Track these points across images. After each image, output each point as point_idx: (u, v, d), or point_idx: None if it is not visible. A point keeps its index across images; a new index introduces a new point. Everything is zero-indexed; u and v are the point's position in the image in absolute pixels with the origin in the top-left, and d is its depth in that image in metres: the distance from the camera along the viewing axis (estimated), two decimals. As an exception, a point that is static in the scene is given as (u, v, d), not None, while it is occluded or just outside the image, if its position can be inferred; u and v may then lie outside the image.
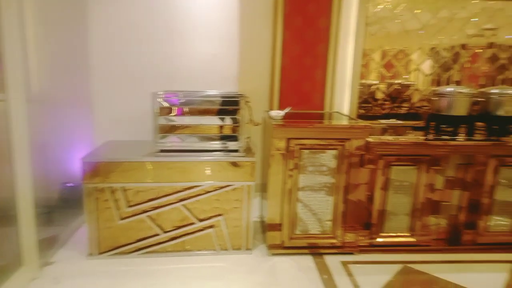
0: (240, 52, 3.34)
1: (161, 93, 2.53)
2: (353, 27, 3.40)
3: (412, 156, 2.65)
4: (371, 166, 2.63)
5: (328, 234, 2.69)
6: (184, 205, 2.57)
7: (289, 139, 2.53)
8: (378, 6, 3.41)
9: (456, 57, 3.57)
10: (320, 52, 3.54)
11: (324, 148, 2.56)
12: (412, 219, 2.74)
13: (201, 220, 2.61)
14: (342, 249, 2.69)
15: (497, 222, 2.78)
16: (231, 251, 2.66)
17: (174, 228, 2.60)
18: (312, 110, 3.61)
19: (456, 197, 2.79)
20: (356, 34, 3.37)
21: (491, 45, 3.55)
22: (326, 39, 3.51)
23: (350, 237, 2.68)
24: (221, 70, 3.31)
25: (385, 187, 2.69)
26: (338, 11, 3.41)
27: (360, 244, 2.72)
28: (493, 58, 3.56)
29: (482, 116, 2.95)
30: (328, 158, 2.57)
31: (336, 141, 2.54)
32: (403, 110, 3.69)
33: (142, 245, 2.59)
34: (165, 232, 2.60)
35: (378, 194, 2.69)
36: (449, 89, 2.88)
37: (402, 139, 2.73)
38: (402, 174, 2.67)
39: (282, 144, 2.53)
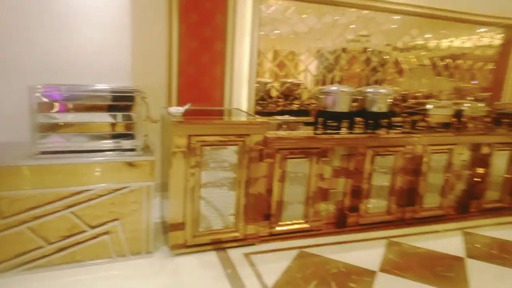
0: (133, 44, 3.15)
1: (40, 87, 2.23)
2: (248, 26, 3.51)
3: (304, 149, 2.86)
4: (269, 160, 2.76)
5: (231, 228, 2.73)
6: (72, 212, 2.31)
7: (190, 136, 2.48)
8: (270, 8, 3.58)
9: (337, 59, 3.98)
10: (218, 48, 3.55)
11: (225, 144, 2.58)
12: (306, 207, 2.97)
13: (93, 227, 2.38)
14: (244, 241, 2.76)
15: (374, 204, 3.19)
16: (129, 257, 2.49)
17: (62, 238, 2.32)
18: (212, 106, 3.61)
19: (341, 184, 3.12)
20: (251, 34, 3.48)
21: (365, 50, 4.06)
22: (224, 36, 3.54)
23: (251, 229, 2.77)
24: (111, 63, 3.07)
25: (282, 179, 2.85)
26: (233, 9, 3.47)
27: (261, 235, 2.83)
28: (367, 61, 4.08)
29: (360, 112, 3.35)
30: (230, 154, 2.61)
31: (237, 137, 2.59)
32: (294, 107, 3.96)
33: (23, 261, 2.25)
34: (51, 243, 2.30)
35: (276, 186, 2.84)
36: (333, 88, 3.19)
37: (295, 133, 2.93)
38: (296, 166, 2.87)
39: (183, 141, 2.47)
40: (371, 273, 2.46)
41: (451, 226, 3.31)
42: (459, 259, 2.71)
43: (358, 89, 3.41)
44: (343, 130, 3.14)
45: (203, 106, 3.47)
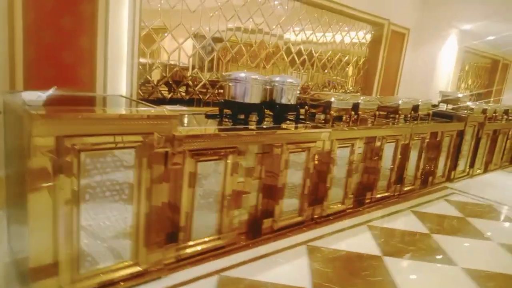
0: None
1: None
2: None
3: (219, 149, 2.30)
4: (177, 165, 2.11)
5: (126, 261, 1.98)
6: None
7: (62, 137, 1.62)
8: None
9: (225, 47, 3.53)
10: (86, 11, 2.63)
11: (118, 147, 1.81)
12: (220, 216, 2.43)
13: None
14: (146, 276, 2.05)
15: (287, 206, 2.88)
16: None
17: None
18: (80, 90, 2.66)
19: (255, 186, 2.70)
20: (134, -2, 2.70)
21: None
22: (95, -5, 2.64)
23: (155, 256, 2.08)
24: None
25: (192, 185, 2.24)
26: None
27: (168, 262, 2.17)
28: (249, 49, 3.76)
29: (269, 103, 2.99)
30: (125, 159, 1.85)
31: (136, 136, 1.85)
32: (184, 95, 3.34)
33: None
34: None
35: (185, 194, 2.22)
36: (242, 74, 2.72)
37: (209, 130, 2.34)
38: (208, 168, 2.30)
39: (49, 143, 1.59)
40: (306, 292, 2.14)
41: (355, 221, 3.30)
42: (378, 259, 2.64)
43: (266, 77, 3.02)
44: (252, 125, 2.71)
45: (69, 91, 2.51)
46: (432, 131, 4.34)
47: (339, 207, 3.38)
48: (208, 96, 3.47)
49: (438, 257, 2.76)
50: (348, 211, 3.44)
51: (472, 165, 5.38)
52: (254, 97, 2.71)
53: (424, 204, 3.98)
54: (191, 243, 2.31)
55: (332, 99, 3.25)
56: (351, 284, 2.27)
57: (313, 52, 4.44)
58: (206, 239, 2.39)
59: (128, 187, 1.89)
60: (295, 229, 2.93)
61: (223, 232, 2.46)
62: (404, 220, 3.46)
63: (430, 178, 4.61)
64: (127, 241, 1.96)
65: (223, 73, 2.98)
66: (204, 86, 3.42)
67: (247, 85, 2.68)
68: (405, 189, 4.18)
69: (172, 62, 3.17)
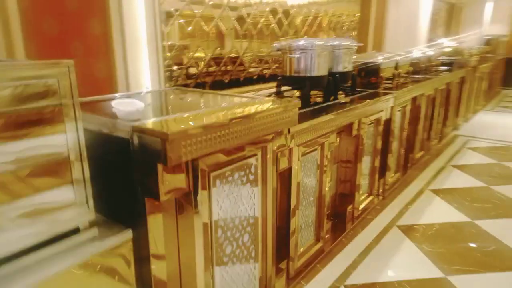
0: None
1: None
2: None
3: (318, 137, 1.88)
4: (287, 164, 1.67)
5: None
6: None
7: (192, 161, 1.11)
8: None
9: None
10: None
11: (246, 157, 1.33)
12: (317, 214, 2.06)
13: None
14: (274, 309, 1.65)
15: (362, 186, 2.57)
16: None
17: None
18: (98, 92, 2.02)
19: (334, 172, 2.34)
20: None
21: None
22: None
23: (279, 282, 1.68)
24: None
25: (298, 185, 1.81)
26: None
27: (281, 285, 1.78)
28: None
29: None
30: (250, 172, 1.37)
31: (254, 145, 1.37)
32: (225, 77, 2.78)
33: None
34: None
35: (294, 198, 1.79)
36: (305, 42, 2.25)
37: (321, 117, 1.88)
38: (307, 162, 1.87)
39: (180, 178, 1.08)
40: None
41: (414, 187, 3.11)
42: (471, 224, 2.47)
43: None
44: (327, 100, 2.31)
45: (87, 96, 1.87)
46: (447, 82, 4.25)
47: (396, 176, 3.15)
48: (244, 73, 2.92)
49: (518, 210, 2.68)
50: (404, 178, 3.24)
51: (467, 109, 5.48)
52: (322, 68, 2.28)
53: (456, 156, 3.93)
54: (298, 252, 1.92)
55: (380, 60, 2.91)
56: (475, 260, 2.07)
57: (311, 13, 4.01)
58: (308, 244, 2.02)
59: (253, 206, 1.43)
60: (370, 210, 2.66)
61: (320, 233, 2.10)
62: (455, 177, 3.35)
63: (444, 130, 4.59)
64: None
65: (274, 44, 2.47)
66: (240, 63, 2.87)
67: (313, 54, 2.23)
68: (432, 143, 4.09)
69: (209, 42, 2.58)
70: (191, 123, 1.09)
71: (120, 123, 1.08)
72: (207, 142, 1.11)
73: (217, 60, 2.54)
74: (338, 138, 2.32)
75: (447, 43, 5.95)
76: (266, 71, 2.89)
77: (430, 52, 4.32)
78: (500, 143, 4.43)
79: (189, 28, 2.28)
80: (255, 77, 2.81)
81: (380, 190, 2.87)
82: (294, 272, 1.86)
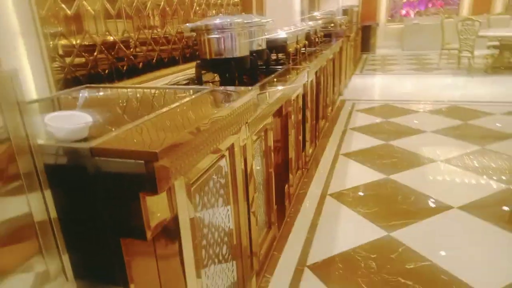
0: None
1: None
2: None
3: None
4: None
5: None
6: None
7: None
8: None
9: None
10: None
11: (210, 167, 1.12)
12: (269, 201, 1.98)
13: None
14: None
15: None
16: None
17: None
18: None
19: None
20: None
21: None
22: None
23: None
24: None
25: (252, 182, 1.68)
26: None
27: None
28: None
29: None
30: (221, 177, 1.18)
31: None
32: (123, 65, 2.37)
33: None
34: None
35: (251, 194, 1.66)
36: (223, 21, 2.06)
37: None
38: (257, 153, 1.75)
39: (164, 205, 0.84)
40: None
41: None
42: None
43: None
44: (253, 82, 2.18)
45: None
46: (336, 51, 4.57)
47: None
48: (139, 59, 2.56)
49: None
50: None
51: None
52: (244, 48, 2.13)
53: (350, 120, 4.31)
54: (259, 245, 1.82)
55: (284, 34, 2.90)
56: (404, 212, 2.29)
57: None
58: (263, 234, 1.93)
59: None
60: (301, 184, 2.71)
61: (270, 219, 2.03)
62: (357, 138, 3.67)
63: (334, 97, 4.98)
64: (235, 287, 1.36)
65: (186, 25, 2.17)
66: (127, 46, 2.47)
67: (234, 33, 2.06)
68: (329, 111, 4.39)
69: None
70: (167, 133, 0.84)
71: (71, 147, 0.76)
72: (188, 152, 0.88)
73: (116, 44, 2.14)
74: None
75: (319, 15, 6.42)
76: (175, 53, 2.59)
77: (315, 25, 4.56)
78: (378, 102, 5.05)
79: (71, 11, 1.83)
80: (165, 60, 2.49)
81: (304, 163, 2.94)
82: (259, 267, 1.76)
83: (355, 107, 4.85)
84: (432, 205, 2.36)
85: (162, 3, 2.39)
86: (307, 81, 2.77)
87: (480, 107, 4.47)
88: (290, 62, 2.90)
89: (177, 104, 1.13)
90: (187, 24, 2.12)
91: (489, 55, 6.86)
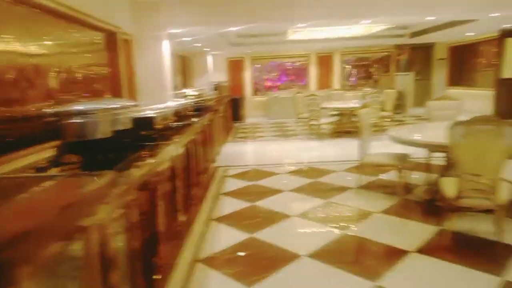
0: None
1: None
2: None
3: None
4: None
5: None
6: None
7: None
8: None
9: None
10: None
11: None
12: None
13: None
14: None
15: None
16: None
17: None
18: None
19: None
20: None
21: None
22: None
23: None
24: None
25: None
26: None
27: None
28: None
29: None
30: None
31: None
32: None
33: None
34: None
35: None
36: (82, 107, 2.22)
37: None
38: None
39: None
40: None
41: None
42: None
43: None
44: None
45: None
46: (205, 124, 5.00)
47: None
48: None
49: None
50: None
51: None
52: (106, 129, 2.28)
53: (222, 186, 4.67)
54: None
55: (151, 113, 3.16)
56: (262, 266, 2.60)
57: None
58: None
59: (87, 293, 1.31)
60: (172, 253, 2.81)
61: (140, 292, 2.07)
62: (227, 203, 3.99)
63: (207, 164, 5.34)
64: None
65: (45, 110, 2.21)
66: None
67: (96, 117, 2.21)
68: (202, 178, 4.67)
69: None
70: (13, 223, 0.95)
71: None
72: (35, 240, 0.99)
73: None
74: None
75: (189, 92, 6.94)
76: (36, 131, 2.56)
77: (184, 101, 4.99)
78: (247, 167, 5.60)
79: None
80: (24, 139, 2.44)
81: (176, 232, 3.07)
82: None
83: (227, 173, 5.27)
84: (286, 255, 2.74)
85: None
86: (176, 153, 3.02)
87: (327, 166, 5.39)
88: (158, 137, 3.13)
89: (33, 191, 1.22)
90: (46, 109, 2.20)
91: (332, 122, 8.40)
